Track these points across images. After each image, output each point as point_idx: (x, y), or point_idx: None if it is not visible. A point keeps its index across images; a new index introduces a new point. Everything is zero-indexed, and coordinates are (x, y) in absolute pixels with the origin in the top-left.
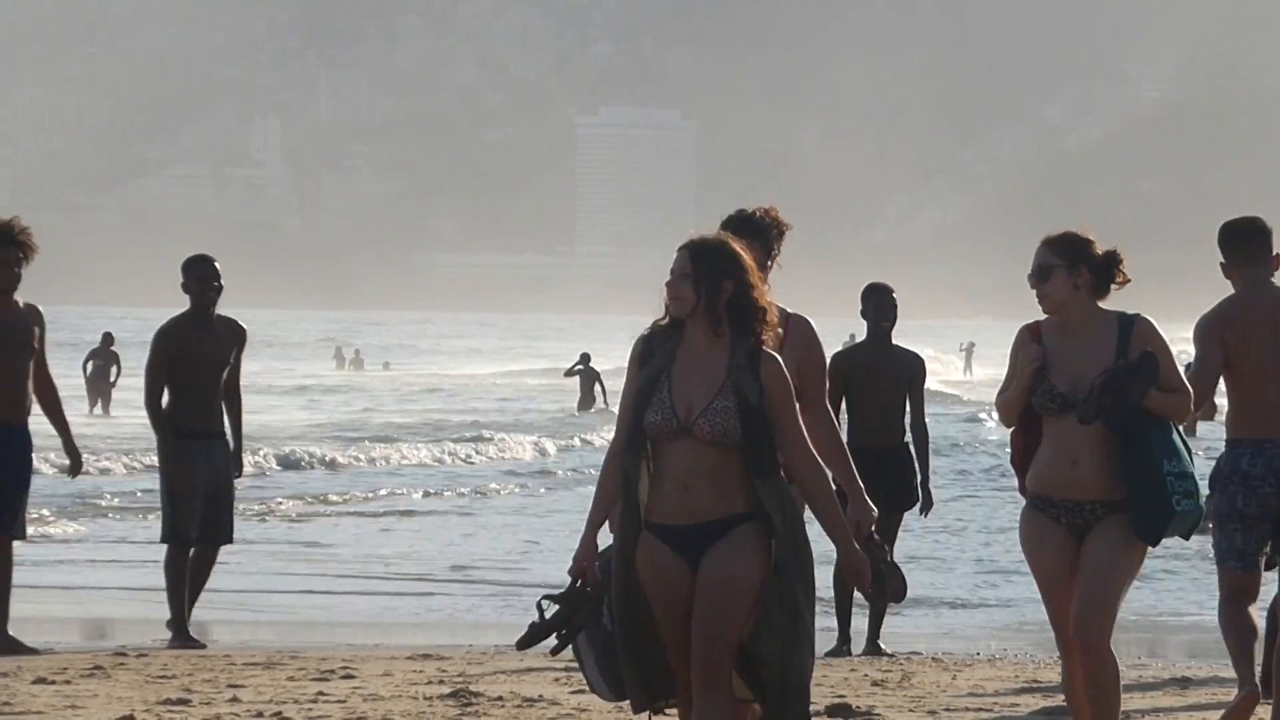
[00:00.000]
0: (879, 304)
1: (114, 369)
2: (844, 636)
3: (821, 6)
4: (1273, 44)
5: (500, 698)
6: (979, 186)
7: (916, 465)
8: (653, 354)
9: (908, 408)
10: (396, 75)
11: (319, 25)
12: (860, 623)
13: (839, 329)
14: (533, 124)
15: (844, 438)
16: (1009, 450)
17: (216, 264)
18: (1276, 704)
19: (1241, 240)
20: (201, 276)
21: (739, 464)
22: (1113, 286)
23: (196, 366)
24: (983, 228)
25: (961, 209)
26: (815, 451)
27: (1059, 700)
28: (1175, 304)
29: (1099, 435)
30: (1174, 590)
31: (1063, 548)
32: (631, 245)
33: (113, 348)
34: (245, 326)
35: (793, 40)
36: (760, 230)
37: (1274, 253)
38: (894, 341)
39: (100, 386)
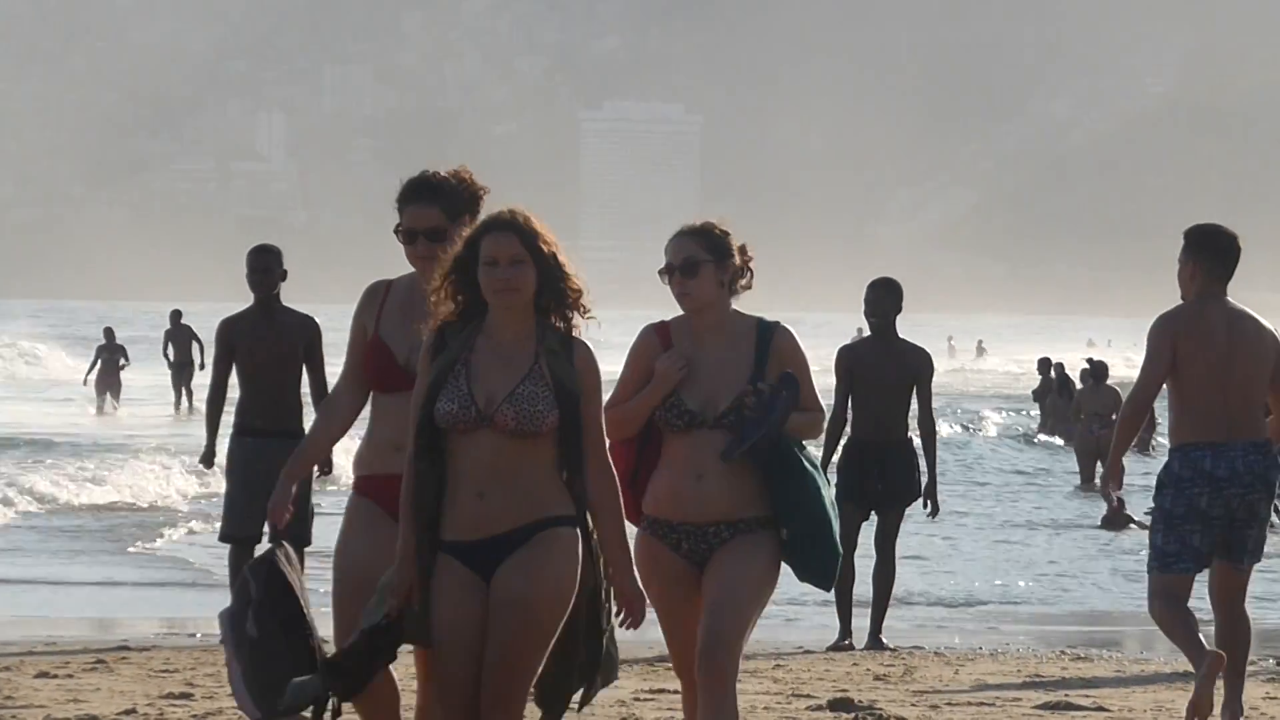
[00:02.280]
0: (883, 298)
1: (121, 359)
2: (845, 631)
3: (826, 2)
4: (1276, 38)
5: None
6: (983, 181)
7: (922, 462)
8: (445, 346)
9: (913, 403)
10: (401, 70)
11: (324, 19)
12: (859, 620)
13: (845, 323)
14: (537, 119)
15: (848, 432)
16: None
17: (271, 254)
18: (1228, 686)
19: (1224, 255)
20: (253, 267)
21: (545, 460)
22: (740, 287)
23: (256, 361)
24: (987, 223)
25: (966, 204)
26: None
27: (1061, 694)
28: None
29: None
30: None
31: (683, 578)
32: (635, 240)
33: (117, 341)
34: (317, 321)
35: (797, 35)
36: (448, 196)
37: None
38: (900, 336)
39: (109, 381)
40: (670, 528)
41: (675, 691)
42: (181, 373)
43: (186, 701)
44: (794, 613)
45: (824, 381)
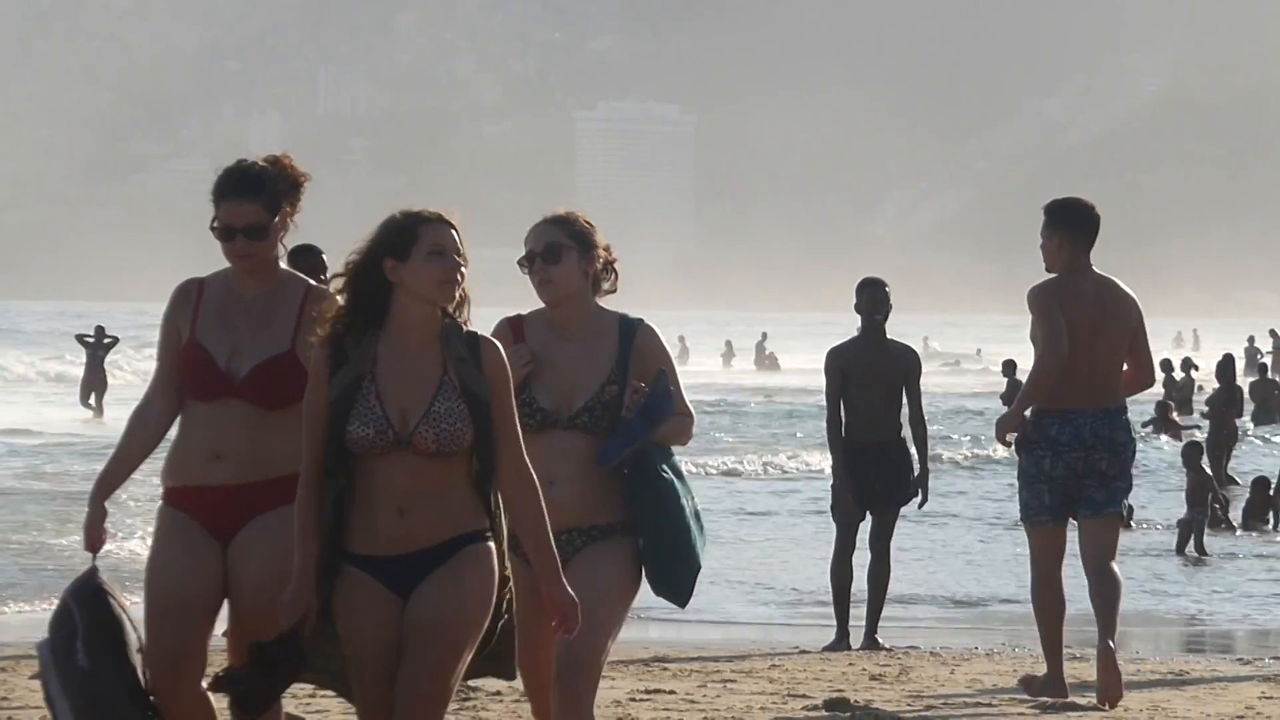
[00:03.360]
0: (873, 298)
1: (103, 351)
2: (843, 631)
3: (820, 2)
4: (1273, 37)
5: (498, 692)
6: (978, 180)
7: (915, 460)
8: (346, 357)
9: (904, 402)
10: (395, 70)
11: (318, 20)
12: (856, 621)
13: (838, 323)
14: (531, 119)
15: (842, 433)
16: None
17: (315, 254)
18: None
19: (1089, 225)
20: (297, 270)
21: (464, 474)
22: (603, 289)
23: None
24: (982, 222)
25: (961, 203)
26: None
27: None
28: (1173, 297)
29: (578, 450)
30: (1173, 588)
31: (536, 587)
32: (631, 240)
33: (105, 339)
34: None
35: (792, 34)
36: (269, 188)
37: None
38: (889, 336)
39: (94, 380)
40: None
41: (671, 692)
42: None
43: None
44: (790, 613)
45: (815, 381)
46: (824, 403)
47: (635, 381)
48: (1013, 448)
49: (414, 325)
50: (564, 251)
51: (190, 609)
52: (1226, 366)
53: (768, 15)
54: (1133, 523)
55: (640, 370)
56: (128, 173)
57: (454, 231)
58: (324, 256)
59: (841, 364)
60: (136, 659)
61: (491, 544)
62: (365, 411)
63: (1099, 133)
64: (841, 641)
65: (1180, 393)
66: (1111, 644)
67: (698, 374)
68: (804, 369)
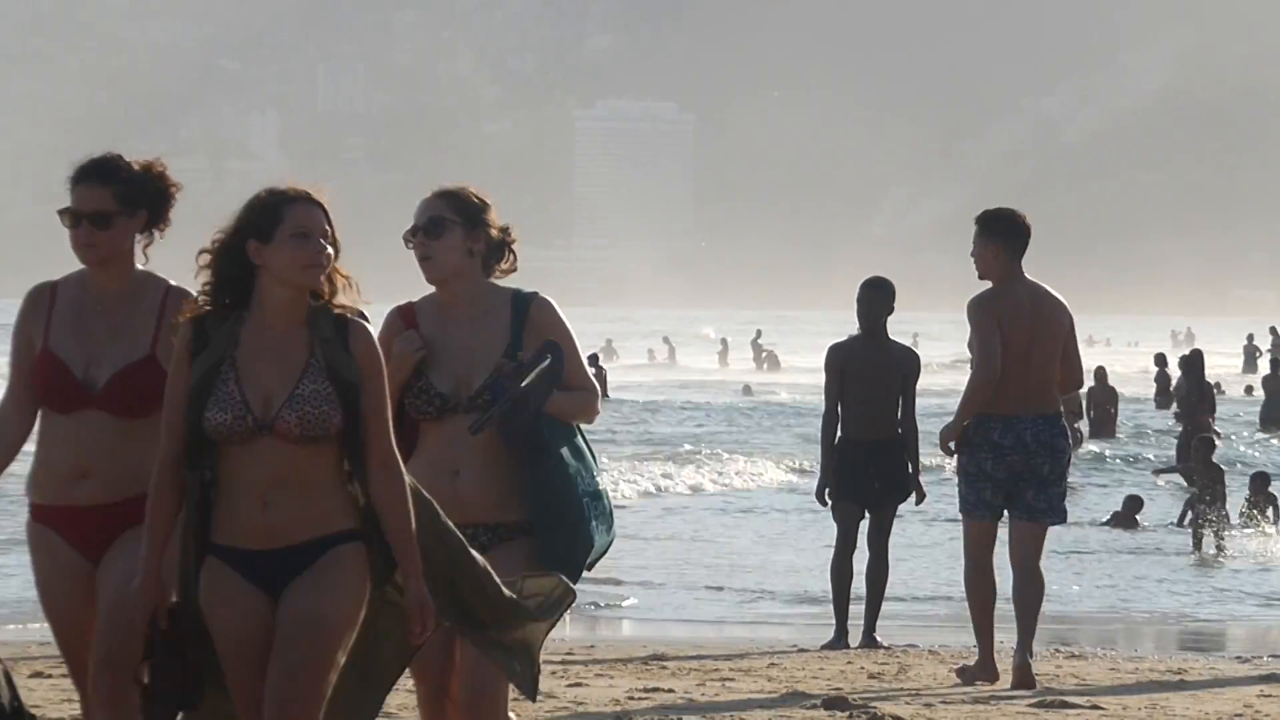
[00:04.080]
0: (874, 297)
1: None
2: (842, 629)
3: (819, 0)
4: (1271, 36)
5: None
6: (976, 179)
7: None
8: (208, 340)
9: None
10: (394, 68)
11: (316, 18)
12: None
13: (838, 321)
14: (530, 117)
15: (838, 431)
16: None
17: None
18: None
19: (1022, 234)
20: None
21: (332, 464)
22: (499, 270)
23: None
24: None
25: (959, 201)
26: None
27: (1055, 690)
28: (1172, 296)
29: (487, 443)
30: (1174, 587)
31: None
32: (630, 238)
33: None
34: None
35: (790, 33)
36: (125, 181)
37: None
38: (890, 336)
39: None
40: None
41: (670, 690)
42: None
43: None
44: (790, 612)
45: (815, 380)
46: (818, 402)
47: (502, 360)
48: (954, 451)
49: (279, 308)
50: (447, 227)
51: (81, 634)
52: (1195, 363)
53: (766, 14)
54: (1138, 518)
55: (535, 344)
56: None
57: (322, 211)
58: None
59: (841, 361)
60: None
61: (362, 545)
62: (224, 396)
63: (1097, 131)
64: (840, 639)
65: (1177, 390)
66: (1030, 657)
67: (694, 372)
68: (804, 368)
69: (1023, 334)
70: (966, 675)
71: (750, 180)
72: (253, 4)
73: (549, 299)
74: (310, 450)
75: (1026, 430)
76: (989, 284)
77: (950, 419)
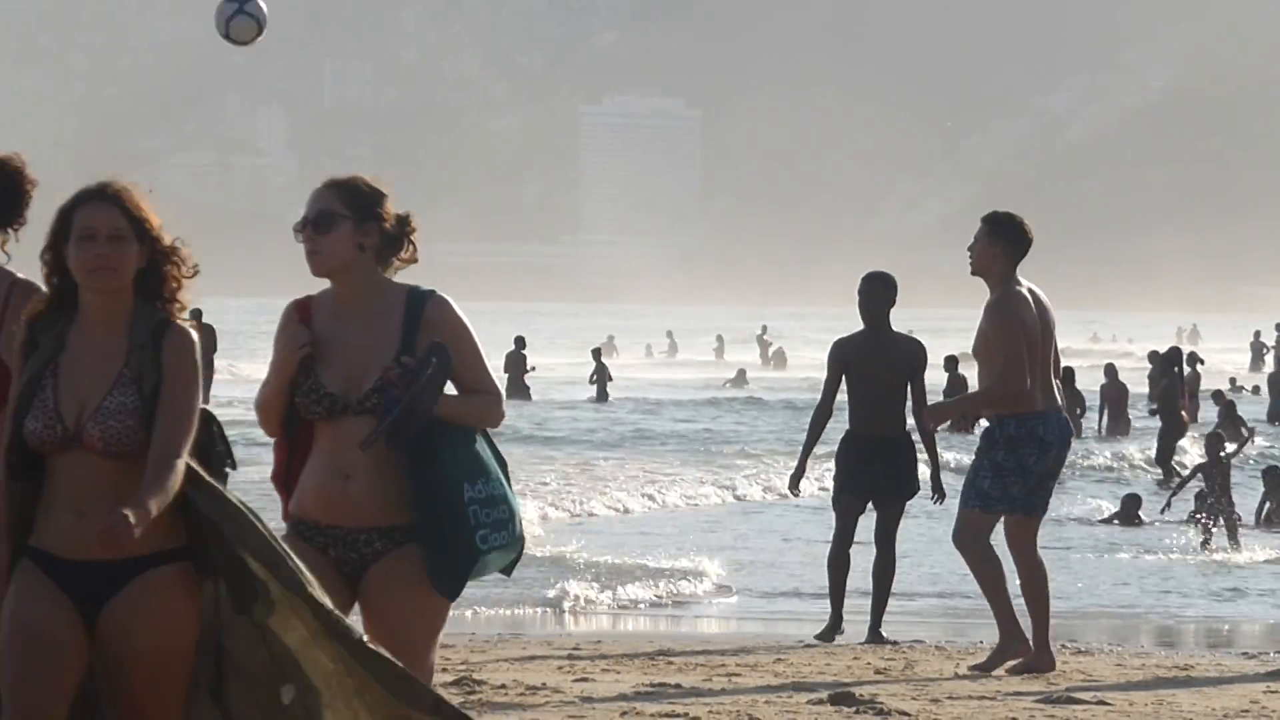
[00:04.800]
0: (875, 290)
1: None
2: (836, 618)
3: None
4: (1276, 33)
5: (503, 685)
6: (982, 175)
7: (923, 454)
8: (37, 344)
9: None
10: (401, 64)
11: (324, 14)
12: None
13: (842, 318)
14: (537, 113)
15: (825, 421)
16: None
17: None
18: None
19: (1025, 242)
20: None
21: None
22: (398, 262)
23: None
24: None
25: (964, 198)
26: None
27: (1061, 687)
28: (1177, 293)
29: (380, 445)
30: (1178, 584)
31: (333, 586)
32: (636, 234)
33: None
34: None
35: (796, 29)
36: None
37: None
38: (894, 330)
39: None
40: (317, 530)
41: (677, 686)
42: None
43: None
44: (794, 606)
45: (814, 377)
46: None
47: (388, 364)
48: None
49: (94, 313)
50: (336, 220)
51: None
52: (1173, 359)
53: (772, 9)
54: (1141, 515)
55: (429, 343)
56: (133, 167)
57: (119, 208)
58: None
59: (845, 356)
60: None
61: (187, 566)
62: (40, 404)
63: (1103, 128)
64: (833, 630)
65: (1187, 387)
66: (1049, 641)
67: (692, 367)
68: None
69: (1035, 334)
70: (990, 663)
71: (756, 176)
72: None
73: (446, 297)
74: (121, 465)
75: (1058, 425)
76: (981, 280)
77: (940, 400)
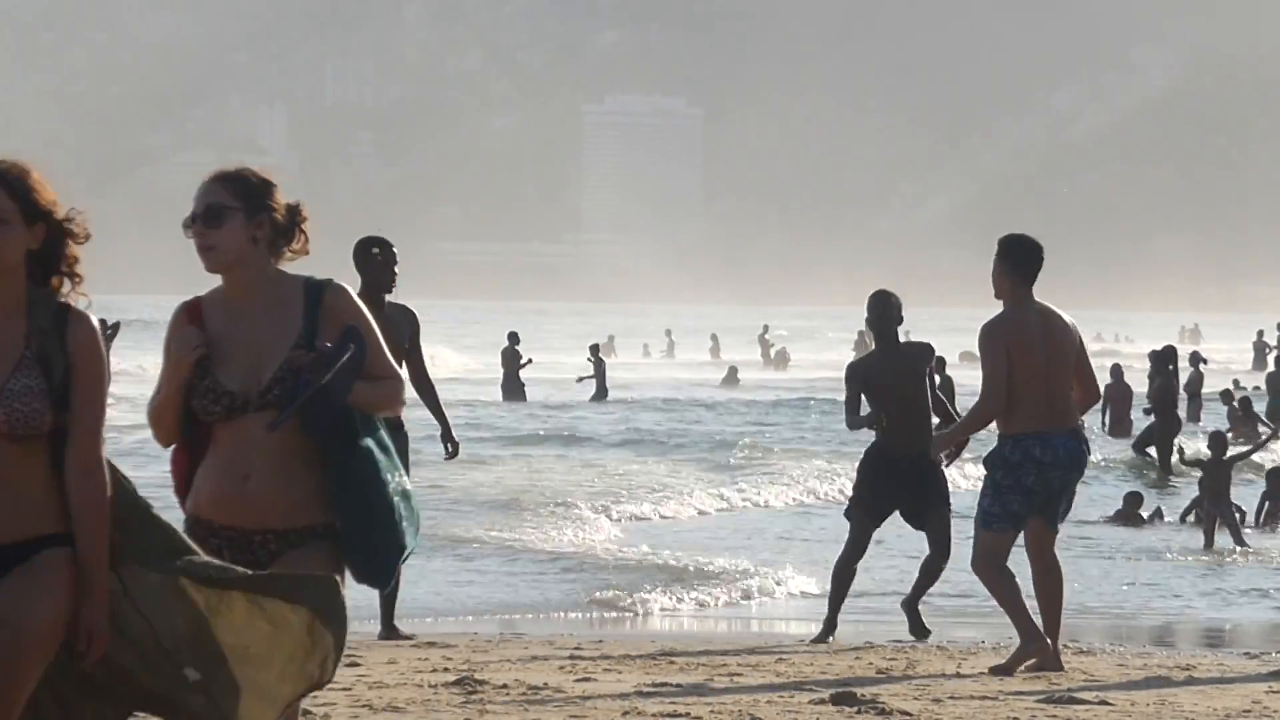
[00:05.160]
0: (881, 311)
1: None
2: (831, 624)
3: None
4: (1279, 31)
5: (505, 685)
6: (985, 174)
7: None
8: None
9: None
10: (403, 63)
11: (325, 12)
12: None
13: (847, 317)
14: (539, 112)
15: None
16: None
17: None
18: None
19: (1026, 258)
20: (386, 260)
21: (45, 468)
22: (289, 252)
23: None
24: (989, 216)
25: (968, 197)
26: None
27: (1063, 687)
28: (1182, 293)
29: (281, 444)
30: (1182, 583)
31: None
32: (638, 233)
33: (107, 330)
34: (416, 312)
35: (799, 27)
36: None
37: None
38: (901, 340)
39: None
40: (212, 531)
41: (678, 685)
42: None
43: None
44: (797, 606)
45: (821, 375)
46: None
47: (297, 352)
48: (949, 462)
49: None
50: (227, 214)
51: None
52: (1167, 358)
53: (775, 8)
54: (1142, 513)
55: (332, 333)
56: (135, 166)
57: (6, 187)
58: (394, 250)
59: (863, 376)
60: None
61: (71, 552)
62: None
63: (1106, 127)
64: (827, 634)
65: (1189, 387)
66: (1058, 643)
67: (689, 367)
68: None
69: (1035, 356)
70: (1012, 662)
71: (758, 175)
72: None
73: (344, 285)
74: (20, 448)
75: (1060, 446)
76: (1001, 303)
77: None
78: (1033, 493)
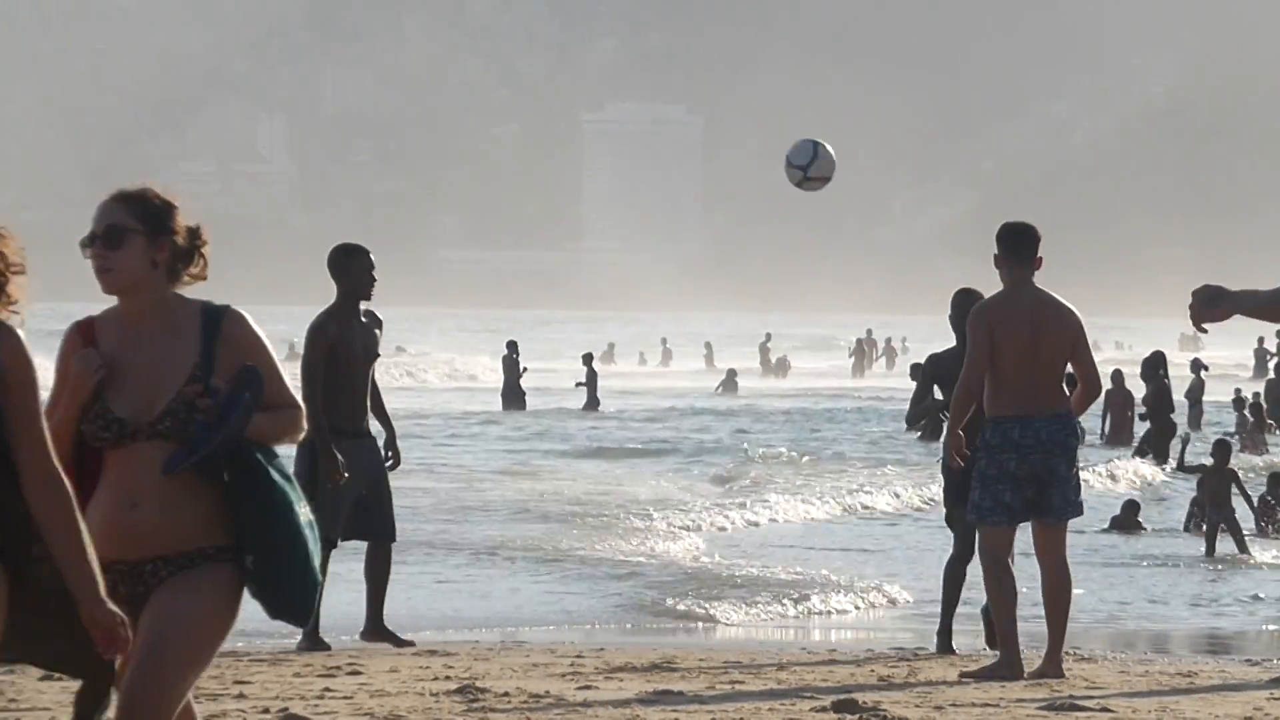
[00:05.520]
0: (967, 303)
1: None
2: (946, 631)
3: (828, 3)
4: (1278, 39)
5: (506, 693)
6: (985, 182)
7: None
8: None
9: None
10: (403, 71)
11: (325, 21)
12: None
13: (850, 324)
14: (539, 120)
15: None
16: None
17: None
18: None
19: (1015, 241)
20: (366, 268)
21: None
22: (188, 276)
23: (351, 362)
24: (989, 223)
25: (968, 204)
26: (60, 468)
27: (1065, 694)
28: (1182, 298)
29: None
30: (1183, 590)
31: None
32: (638, 241)
33: None
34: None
35: (798, 35)
36: None
37: (1038, 255)
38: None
39: None
40: (103, 569)
41: (680, 693)
42: None
43: None
44: (798, 606)
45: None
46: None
47: (195, 386)
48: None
49: None
50: (127, 235)
51: None
52: (1156, 364)
53: (774, 15)
54: (1140, 518)
55: (230, 363)
56: (135, 174)
57: None
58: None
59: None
60: None
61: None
62: None
63: (1106, 134)
64: (946, 643)
65: (1190, 394)
66: (1063, 651)
67: (683, 376)
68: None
69: (1021, 338)
70: (983, 674)
71: (758, 182)
72: (261, 6)
73: (243, 312)
74: None
75: (1043, 429)
76: None
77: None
78: (1018, 479)
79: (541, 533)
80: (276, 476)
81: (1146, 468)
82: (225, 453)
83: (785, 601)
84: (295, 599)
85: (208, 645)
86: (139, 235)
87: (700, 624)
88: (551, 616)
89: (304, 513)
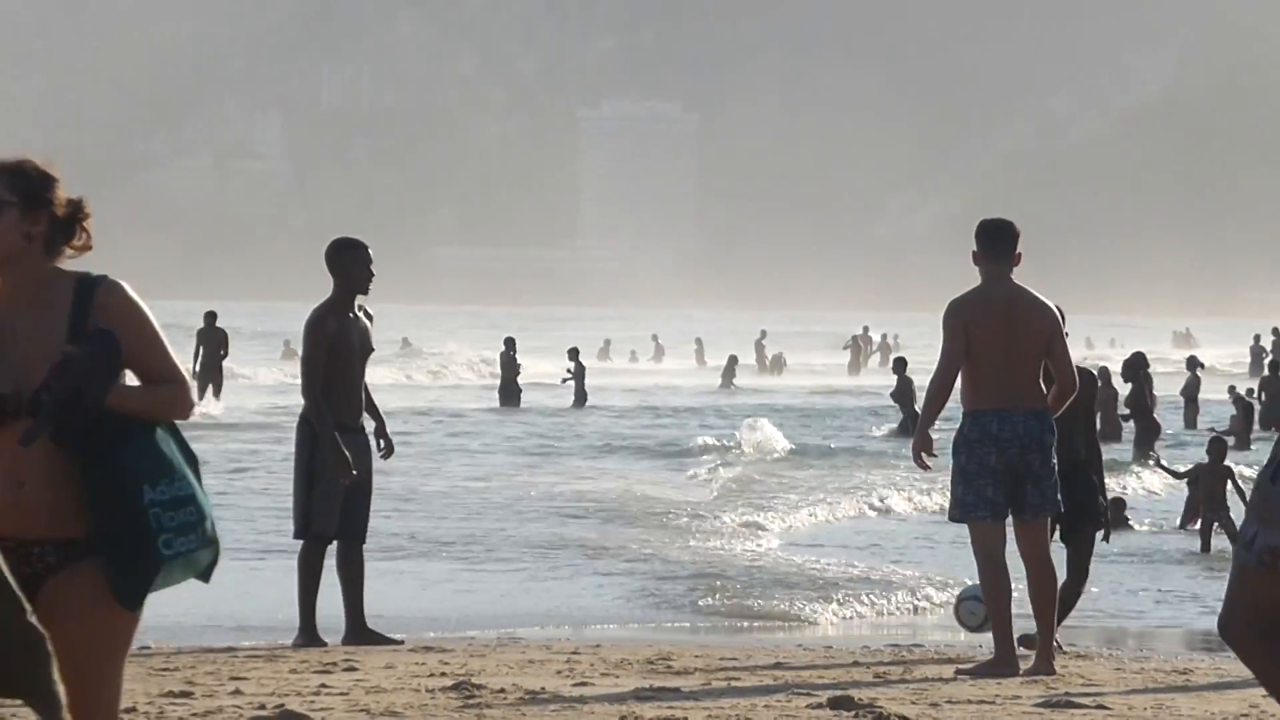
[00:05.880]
0: None
1: (223, 351)
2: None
3: (823, 1)
4: (1274, 37)
5: (502, 690)
6: (980, 180)
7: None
8: None
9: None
10: (399, 68)
11: (321, 18)
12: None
13: (845, 321)
14: (535, 117)
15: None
16: None
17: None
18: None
19: (992, 238)
20: (364, 262)
21: None
22: (70, 249)
23: (348, 357)
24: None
25: (963, 201)
26: None
27: (1060, 691)
28: (1178, 297)
29: (55, 449)
30: (1179, 587)
31: None
32: (634, 238)
33: (217, 324)
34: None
35: (794, 33)
36: None
37: (1016, 252)
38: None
39: (212, 374)
40: None
41: (675, 690)
42: (207, 375)
43: (186, 700)
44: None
45: (821, 382)
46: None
47: (68, 348)
48: (927, 465)
49: None
50: (2, 207)
51: None
52: (1137, 365)
53: (770, 14)
54: (1128, 514)
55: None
56: (132, 171)
57: None
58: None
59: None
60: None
61: None
62: None
63: (1101, 132)
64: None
65: (1186, 392)
66: (1053, 647)
67: (674, 374)
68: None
69: (995, 334)
70: (979, 671)
71: (754, 180)
72: (257, 3)
73: (120, 282)
74: None
75: (1020, 424)
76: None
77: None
78: (998, 473)
79: (587, 530)
80: (128, 456)
81: (1138, 466)
82: (80, 427)
83: (867, 599)
84: (126, 579)
85: (118, 654)
86: (13, 207)
87: (784, 622)
88: (624, 613)
89: (162, 491)
